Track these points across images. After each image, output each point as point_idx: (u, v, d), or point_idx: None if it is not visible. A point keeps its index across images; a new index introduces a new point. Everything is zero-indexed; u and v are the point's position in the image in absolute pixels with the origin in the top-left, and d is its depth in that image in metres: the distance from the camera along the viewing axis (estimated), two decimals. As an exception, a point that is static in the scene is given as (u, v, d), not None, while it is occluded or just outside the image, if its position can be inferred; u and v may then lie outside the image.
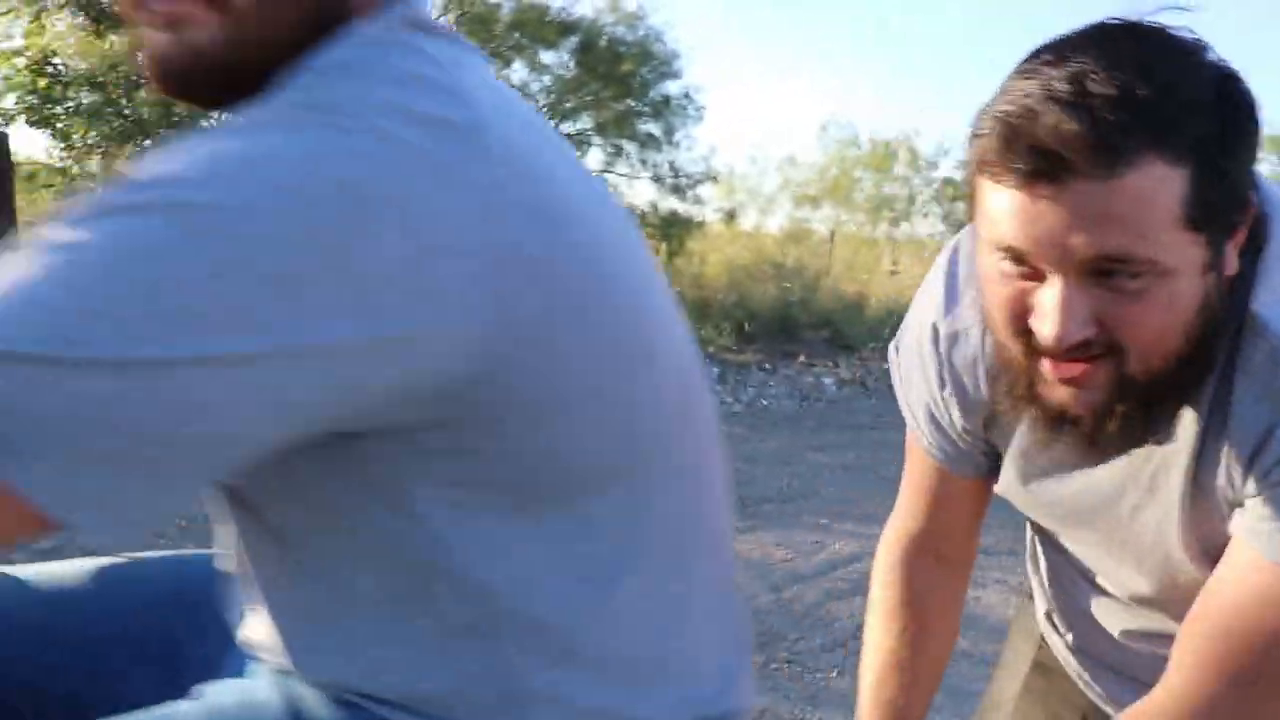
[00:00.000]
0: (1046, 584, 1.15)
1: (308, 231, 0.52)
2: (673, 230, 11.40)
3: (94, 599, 0.90)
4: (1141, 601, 1.02)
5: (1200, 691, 0.84)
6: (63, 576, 0.91)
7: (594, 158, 11.06)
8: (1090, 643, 1.12)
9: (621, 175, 11.31)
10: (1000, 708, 1.26)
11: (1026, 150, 0.71)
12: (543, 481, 0.65)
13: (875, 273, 11.89)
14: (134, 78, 7.04)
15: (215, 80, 0.64)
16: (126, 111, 6.98)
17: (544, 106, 10.64)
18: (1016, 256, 0.76)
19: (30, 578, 0.90)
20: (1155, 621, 1.02)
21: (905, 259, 12.83)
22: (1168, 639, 0.95)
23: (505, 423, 0.61)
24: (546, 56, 10.60)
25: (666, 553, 0.72)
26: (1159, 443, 0.87)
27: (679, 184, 11.26)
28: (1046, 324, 0.76)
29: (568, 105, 10.70)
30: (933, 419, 1.02)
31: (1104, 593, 1.06)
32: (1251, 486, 0.82)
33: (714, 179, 11.67)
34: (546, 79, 10.70)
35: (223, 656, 0.88)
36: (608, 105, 10.67)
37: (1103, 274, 0.74)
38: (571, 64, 10.60)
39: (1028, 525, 1.15)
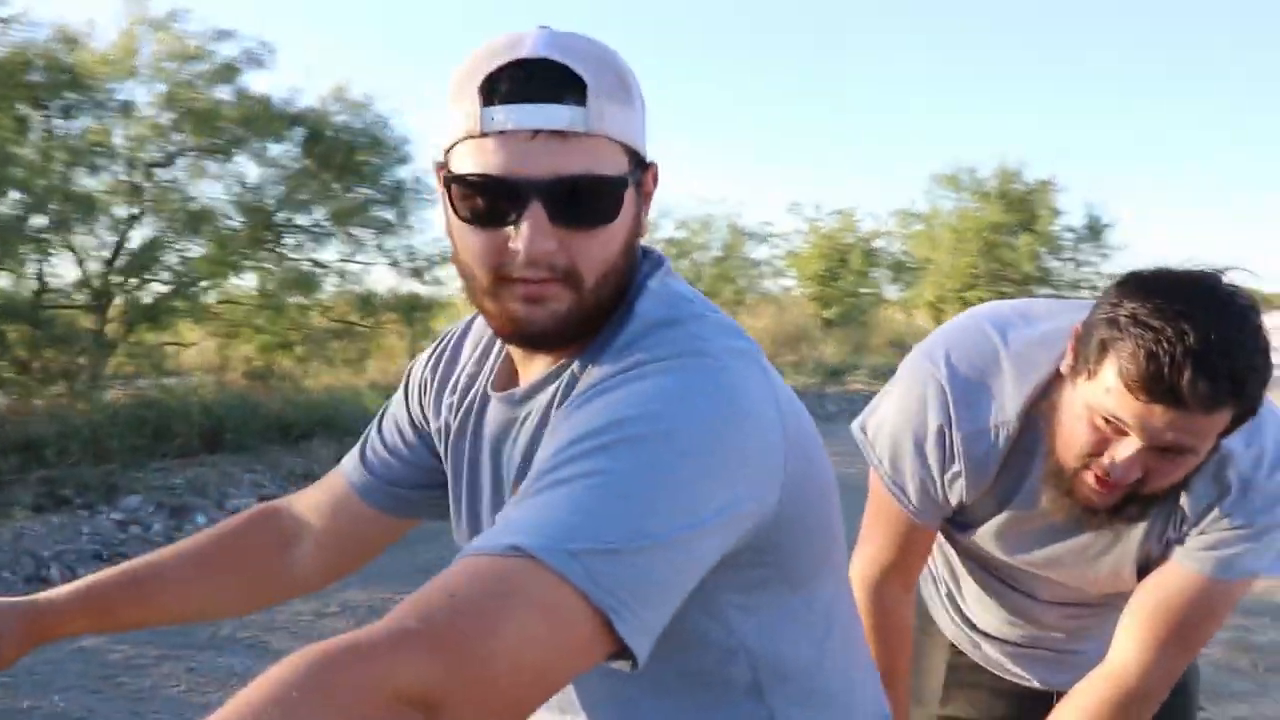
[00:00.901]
0: (972, 596, 1.55)
1: (726, 439, 0.78)
2: (416, 313, 11.37)
3: None
4: (1077, 602, 1.42)
5: (1146, 651, 1.28)
6: None
7: (332, 249, 10.87)
8: (1013, 634, 1.54)
9: (360, 264, 11.16)
10: (927, 701, 1.69)
11: (1166, 390, 1.09)
12: (791, 576, 0.91)
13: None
14: None
15: (562, 335, 0.88)
16: None
17: (277, 200, 10.37)
18: (1116, 423, 1.14)
19: None
20: (1082, 611, 1.45)
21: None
22: (1088, 620, 1.45)
23: (780, 541, 0.88)
24: (274, 149, 10.33)
25: (845, 611, 1.00)
26: None
27: (417, 267, 11.24)
28: (1118, 470, 1.16)
29: (301, 197, 10.47)
30: (924, 490, 1.36)
31: (1035, 598, 1.47)
32: (1192, 532, 1.27)
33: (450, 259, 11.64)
34: (275, 172, 10.41)
35: None
36: (340, 195, 10.53)
37: (1166, 449, 1.14)
38: (301, 155, 10.38)
39: (942, 554, 1.57)
